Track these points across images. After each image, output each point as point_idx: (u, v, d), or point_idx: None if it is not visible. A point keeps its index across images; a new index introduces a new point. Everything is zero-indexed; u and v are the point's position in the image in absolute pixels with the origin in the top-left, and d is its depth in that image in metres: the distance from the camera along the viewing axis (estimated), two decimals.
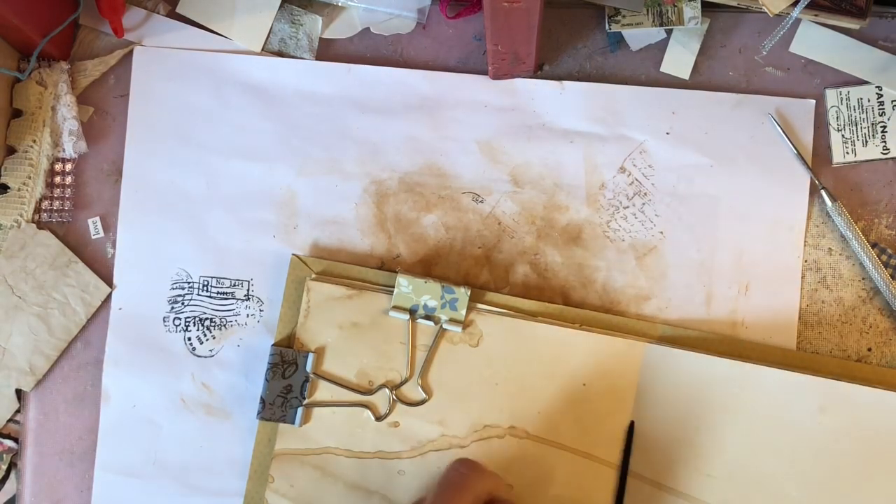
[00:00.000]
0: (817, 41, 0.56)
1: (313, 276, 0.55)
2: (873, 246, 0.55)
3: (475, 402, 0.54)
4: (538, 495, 0.53)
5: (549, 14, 0.57)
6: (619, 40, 0.57)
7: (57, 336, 0.57)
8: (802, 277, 0.55)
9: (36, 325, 0.57)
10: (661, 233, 0.56)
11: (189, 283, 0.57)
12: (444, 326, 0.54)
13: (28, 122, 0.57)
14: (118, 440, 0.56)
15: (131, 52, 0.58)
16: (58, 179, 0.58)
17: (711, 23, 0.57)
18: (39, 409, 0.57)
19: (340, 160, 0.57)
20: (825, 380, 0.52)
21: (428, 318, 0.54)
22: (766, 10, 0.50)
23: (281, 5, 0.58)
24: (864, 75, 0.56)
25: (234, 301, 0.57)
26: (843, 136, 0.56)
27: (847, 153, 0.56)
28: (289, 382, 0.54)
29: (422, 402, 0.54)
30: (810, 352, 0.55)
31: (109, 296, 0.57)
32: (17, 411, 0.57)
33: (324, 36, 0.59)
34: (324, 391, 0.54)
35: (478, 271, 0.57)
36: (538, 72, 0.58)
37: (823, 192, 0.55)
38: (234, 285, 0.57)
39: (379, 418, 0.54)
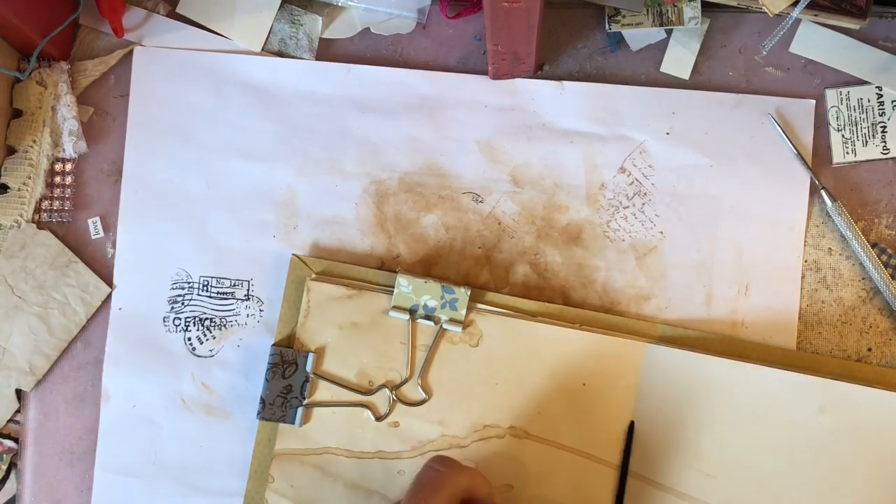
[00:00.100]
0: (817, 41, 0.56)
1: (313, 276, 0.55)
2: (873, 246, 0.55)
3: (475, 402, 0.54)
4: (538, 495, 0.53)
5: (549, 14, 0.57)
6: (619, 40, 0.57)
7: (57, 336, 0.57)
8: (802, 277, 0.55)
9: (36, 325, 0.57)
10: (661, 233, 0.56)
11: (189, 283, 0.57)
12: (444, 326, 0.54)
13: (28, 122, 0.57)
14: (118, 440, 0.56)
15: (131, 52, 0.58)
16: (58, 179, 0.58)
17: (711, 23, 0.57)
18: (39, 409, 0.57)
19: (340, 160, 0.57)
20: (825, 380, 0.52)
21: (428, 318, 0.54)
22: (766, 10, 0.50)
23: (281, 5, 0.58)
24: (864, 75, 0.56)
25: (234, 301, 0.57)
26: (843, 136, 0.56)
27: (847, 153, 0.56)
28: (289, 382, 0.54)
29: (422, 402, 0.54)
30: (810, 352, 0.55)
31: (109, 296, 0.57)
32: (17, 411, 0.57)
33: (324, 36, 0.59)
34: (324, 391, 0.54)
35: (478, 271, 0.57)
36: (538, 72, 0.58)
37: (823, 192, 0.55)
38: (234, 285, 0.57)
39: (379, 418, 0.54)
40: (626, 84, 0.57)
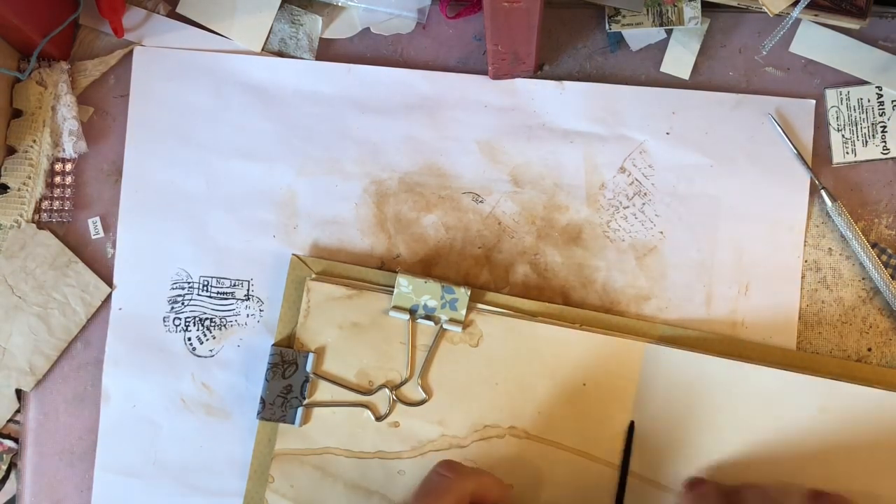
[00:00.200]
0: (817, 41, 0.56)
1: (313, 276, 0.55)
2: (873, 246, 0.55)
3: (475, 402, 0.54)
4: (538, 495, 0.53)
5: (549, 14, 0.57)
6: (619, 40, 0.57)
7: (57, 336, 0.57)
8: (802, 277, 0.55)
9: (36, 325, 0.57)
10: (661, 233, 0.56)
11: (189, 283, 0.57)
12: (444, 326, 0.54)
13: (28, 122, 0.57)
14: (118, 440, 0.56)
15: (131, 52, 0.58)
16: (58, 179, 0.58)
17: (711, 23, 0.57)
18: (39, 409, 0.57)
19: (340, 160, 0.57)
20: (825, 380, 0.52)
21: (428, 318, 0.54)
22: (766, 10, 0.50)
23: (281, 5, 0.58)
24: (864, 75, 0.56)
25: (234, 301, 0.57)
26: (843, 136, 0.56)
27: (847, 153, 0.56)
28: (289, 382, 0.54)
29: (422, 402, 0.54)
30: (810, 352, 0.55)
31: (109, 296, 0.57)
32: (17, 411, 0.57)
33: (324, 36, 0.59)
34: (324, 391, 0.54)
35: (478, 271, 0.57)
36: (538, 72, 0.58)
37: (823, 192, 0.55)
38: (234, 285, 0.57)
39: (379, 418, 0.54)
40: (626, 84, 0.57)
